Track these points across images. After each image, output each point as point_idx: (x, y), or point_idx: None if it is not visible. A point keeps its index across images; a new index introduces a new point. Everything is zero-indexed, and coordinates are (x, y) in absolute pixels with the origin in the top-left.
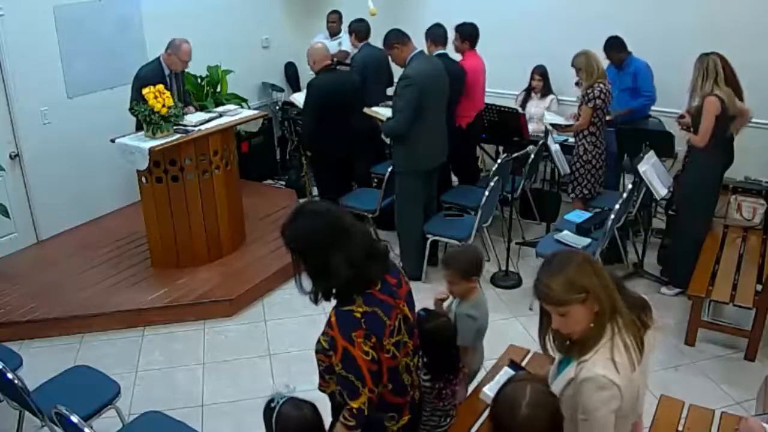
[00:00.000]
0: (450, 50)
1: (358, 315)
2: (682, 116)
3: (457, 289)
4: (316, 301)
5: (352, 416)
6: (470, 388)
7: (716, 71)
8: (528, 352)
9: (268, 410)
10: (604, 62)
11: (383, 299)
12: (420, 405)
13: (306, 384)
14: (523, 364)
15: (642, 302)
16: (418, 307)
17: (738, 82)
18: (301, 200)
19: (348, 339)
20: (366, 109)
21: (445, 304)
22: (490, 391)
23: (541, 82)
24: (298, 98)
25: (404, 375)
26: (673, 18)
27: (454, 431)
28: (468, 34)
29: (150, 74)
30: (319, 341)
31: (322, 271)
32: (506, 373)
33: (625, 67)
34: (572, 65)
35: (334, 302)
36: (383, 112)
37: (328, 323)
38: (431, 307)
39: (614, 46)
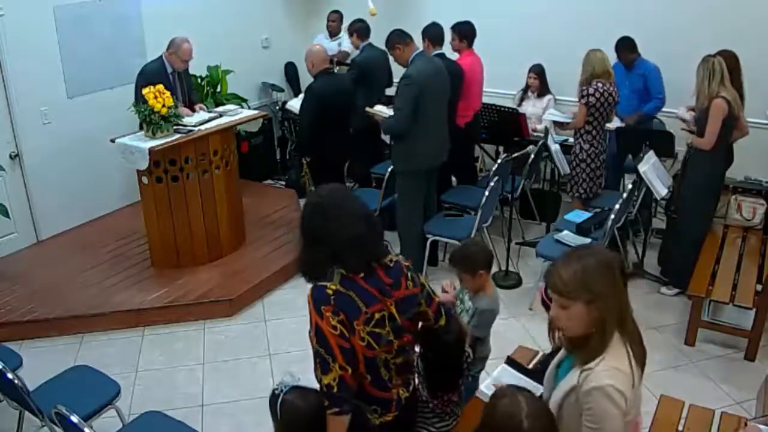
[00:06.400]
0: (447, 50)
1: (330, 292)
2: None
3: (470, 285)
4: (306, 279)
5: (324, 395)
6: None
7: (722, 72)
8: (536, 353)
9: (273, 398)
10: (611, 63)
11: (366, 288)
12: (412, 407)
13: (306, 384)
14: (531, 365)
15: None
16: None
17: (742, 84)
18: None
19: (318, 312)
20: (368, 109)
21: (450, 295)
22: (487, 389)
23: (537, 81)
24: (295, 104)
25: (382, 369)
26: (673, 18)
27: (461, 430)
28: (466, 33)
29: (153, 72)
30: (309, 323)
31: (304, 248)
32: (503, 370)
33: (634, 69)
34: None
35: None
36: (385, 110)
37: (308, 299)
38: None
39: (626, 46)
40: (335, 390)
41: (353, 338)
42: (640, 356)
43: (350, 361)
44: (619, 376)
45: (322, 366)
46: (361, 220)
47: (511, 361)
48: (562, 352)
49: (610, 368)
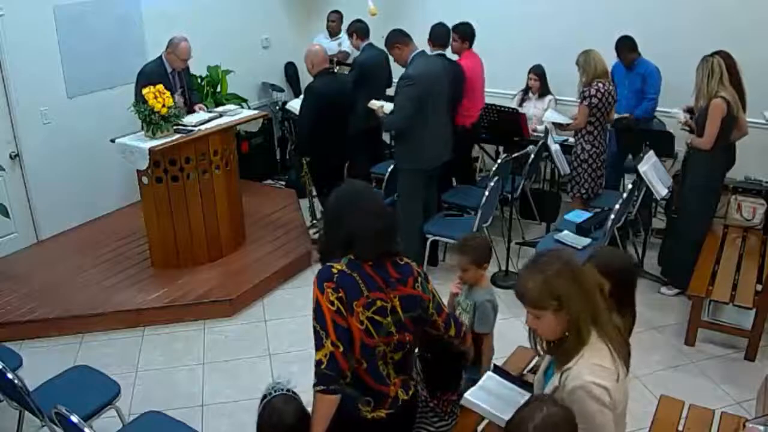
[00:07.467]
0: (448, 51)
1: (335, 271)
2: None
3: (470, 276)
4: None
5: (314, 372)
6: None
7: (721, 71)
8: (535, 354)
9: (263, 399)
10: (611, 62)
11: (370, 275)
12: (409, 410)
13: (305, 385)
14: (531, 365)
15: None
16: None
17: (741, 84)
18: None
19: (320, 288)
20: (372, 102)
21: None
22: (471, 396)
23: (537, 82)
24: (295, 105)
25: (380, 362)
26: (673, 18)
27: (460, 430)
28: (467, 34)
29: (153, 71)
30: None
31: (325, 234)
32: (489, 378)
33: (634, 68)
34: (576, 63)
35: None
36: (388, 106)
37: (314, 280)
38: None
39: (626, 45)
40: (324, 366)
41: (351, 319)
42: (622, 352)
43: (343, 339)
44: (600, 372)
45: (316, 342)
46: (377, 217)
47: (497, 369)
48: (548, 357)
49: (589, 365)
